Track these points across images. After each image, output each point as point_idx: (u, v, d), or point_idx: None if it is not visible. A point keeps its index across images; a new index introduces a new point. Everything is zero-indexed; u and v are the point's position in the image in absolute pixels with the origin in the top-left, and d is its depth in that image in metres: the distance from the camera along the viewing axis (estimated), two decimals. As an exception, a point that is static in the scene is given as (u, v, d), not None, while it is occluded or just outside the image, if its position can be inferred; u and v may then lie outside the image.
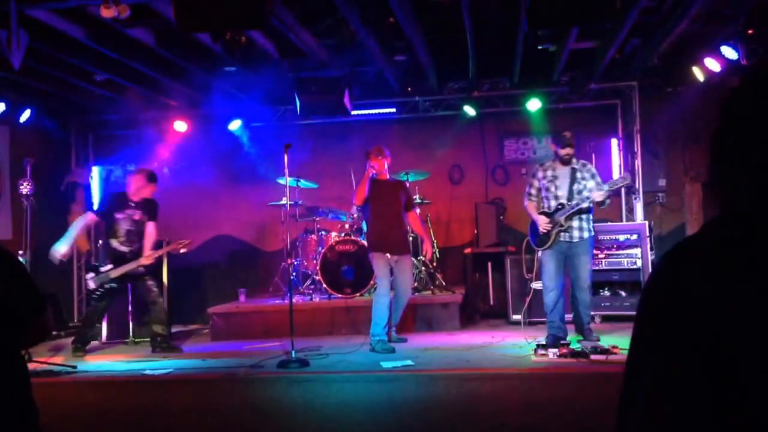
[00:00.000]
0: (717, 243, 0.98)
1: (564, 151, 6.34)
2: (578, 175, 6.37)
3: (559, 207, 6.32)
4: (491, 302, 8.56)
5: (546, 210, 6.43)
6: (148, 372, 5.81)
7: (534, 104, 8.76)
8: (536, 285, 7.89)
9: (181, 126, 9.26)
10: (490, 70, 8.75)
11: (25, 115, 8.57)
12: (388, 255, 6.70)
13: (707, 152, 1.08)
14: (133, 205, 7.01)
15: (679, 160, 9.15)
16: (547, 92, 8.94)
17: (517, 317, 7.91)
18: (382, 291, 6.63)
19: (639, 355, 1.01)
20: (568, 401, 4.83)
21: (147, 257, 6.93)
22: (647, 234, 7.78)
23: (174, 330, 8.24)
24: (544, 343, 6.04)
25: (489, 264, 8.57)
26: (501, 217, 8.87)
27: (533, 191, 6.54)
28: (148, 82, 8.23)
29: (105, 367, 6.23)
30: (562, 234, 6.31)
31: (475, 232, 8.73)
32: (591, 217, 6.42)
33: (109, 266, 6.94)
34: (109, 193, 7.15)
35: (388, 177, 6.91)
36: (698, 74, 7.93)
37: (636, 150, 8.89)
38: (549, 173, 6.45)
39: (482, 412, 4.88)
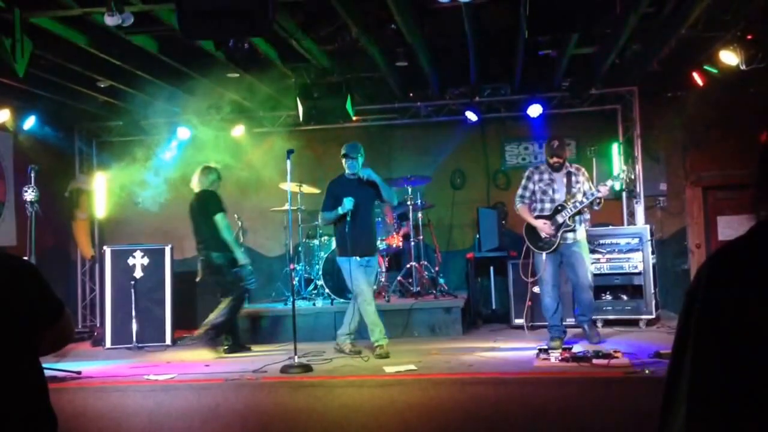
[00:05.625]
0: (761, 248, 0.98)
1: (552, 160, 6.48)
2: (573, 178, 6.48)
3: (559, 208, 6.39)
4: (493, 306, 8.58)
5: (541, 213, 6.49)
6: (151, 377, 5.84)
7: (535, 109, 8.79)
8: (537, 289, 7.92)
9: (184, 132, 9.30)
10: (491, 75, 8.79)
11: (29, 122, 8.60)
12: (357, 258, 6.53)
13: (756, 160, 1.06)
14: None
15: (680, 164, 9.18)
16: (548, 97, 8.97)
17: (519, 321, 7.92)
18: (368, 298, 6.50)
19: (680, 360, 1.01)
20: (571, 405, 4.85)
21: None
22: (648, 238, 7.80)
23: (176, 335, 8.28)
24: (546, 347, 6.07)
25: (491, 268, 8.59)
26: (503, 222, 8.89)
27: (527, 193, 6.61)
28: (152, 89, 8.27)
29: (109, 373, 6.25)
30: (565, 235, 6.38)
31: (477, 236, 8.75)
32: (584, 218, 6.56)
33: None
34: (212, 193, 7.22)
35: (354, 175, 6.71)
36: (698, 79, 7.97)
37: (637, 154, 8.91)
38: (546, 176, 6.54)
39: (485, 416, 4.90)
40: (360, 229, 6.56)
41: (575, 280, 6.51)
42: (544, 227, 6.40)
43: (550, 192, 6.48)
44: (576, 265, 6.42)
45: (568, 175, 6.49)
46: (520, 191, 6.66)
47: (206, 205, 7.08)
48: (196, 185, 7.28)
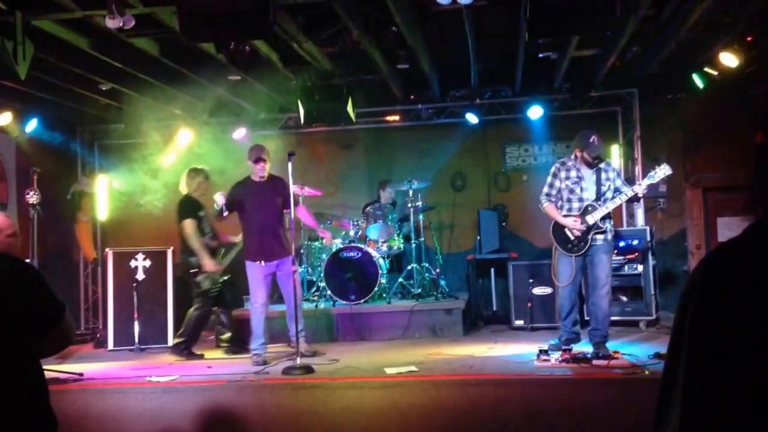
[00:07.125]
0: (757, 247, 0.98)
1: (594, 159, 5.98)
2: (604, 175, 6.01)
3: (589, 208, 5.94)
4: (494, 308, 8.59)
5: (569, 213, 6.02)
6: (153, 379, 5.85)
7: (535, 111, 8.81)
8: (538, 290, 7.93)
9: (185, 135, 9.32)
10: (491, 78, 8.82)
11: (31, 124, 8.62)
12: (261, 263, 6.45)
13: (752, 160, 1.05)
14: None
15: (680, 166, 9.18)
16: (549, 99, 8.99)
17: (519, 323, 7.95)
18: (255, 302, 6.54)
19: (675, 360, 1.01)
20: (571, 406, 4.86)
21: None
22: (648, 239, 7.81)
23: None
24: (546, 348, 6.04)
25: (492, 270, 8.61)
26: (503, 224, 8.92)
27: (553, 191, 6.11)
28: (153, 91, 8.29)
29: (111, 374, 6.26)
30: (595, 236, 5.95)
31: (478, 238, 8.77)
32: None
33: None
34: (187, 198, 7.18)
35: (264, 178, 6.65)
36: (698, 81, 7.99)
37: (637, 156, 8.94)
38: (573, 174, 6.04)
39: (485, 417, 4.92)
40: (265, 233, 6.50)
41: (594, 283, 6.06)
42: (575, 225, 5.91)
43: (578, 190, 6.00)
44: (597, 267, 6.00)
45: (598, 171, 5.99)
46: (546, 189, 6.14)
47: (178, 210, 7.14)
48: (182, 188, 7.28)
